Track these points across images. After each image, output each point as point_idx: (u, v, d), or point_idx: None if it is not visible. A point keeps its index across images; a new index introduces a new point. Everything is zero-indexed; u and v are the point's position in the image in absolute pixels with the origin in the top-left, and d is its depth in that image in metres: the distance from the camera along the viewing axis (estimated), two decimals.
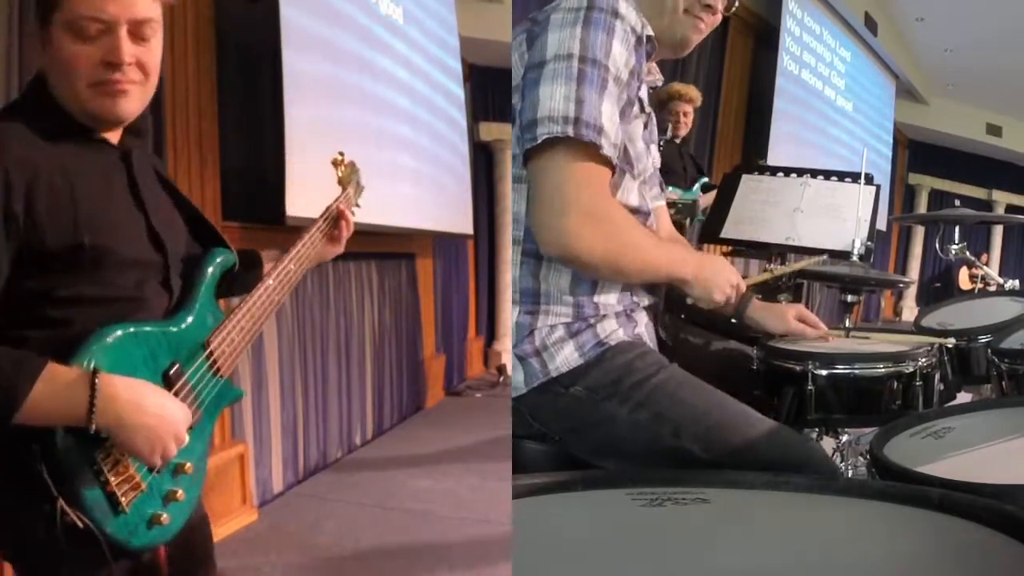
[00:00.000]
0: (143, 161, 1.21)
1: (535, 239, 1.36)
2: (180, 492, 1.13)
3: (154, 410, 1.05)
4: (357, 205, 1.58)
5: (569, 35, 1.31)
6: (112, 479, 1.04)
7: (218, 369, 1.20)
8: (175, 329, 1.15)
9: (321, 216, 1.45)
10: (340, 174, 1.58)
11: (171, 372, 1.12)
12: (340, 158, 1.60)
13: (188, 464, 1.14)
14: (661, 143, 3.58)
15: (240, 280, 1.33)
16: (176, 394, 1.12)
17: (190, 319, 1.18)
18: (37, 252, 1.03)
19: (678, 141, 4.30)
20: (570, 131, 1.28)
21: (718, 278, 1.47)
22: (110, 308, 1.09)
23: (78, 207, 1.07)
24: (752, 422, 1.34)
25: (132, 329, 1.08)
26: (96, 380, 1.00)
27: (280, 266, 1.32)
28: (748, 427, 1.33)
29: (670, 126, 4.26)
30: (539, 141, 1.29)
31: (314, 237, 1.42)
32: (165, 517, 1.10)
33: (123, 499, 1.05)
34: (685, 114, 4.27)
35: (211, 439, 1.23)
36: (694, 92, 4.27)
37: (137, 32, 1.09)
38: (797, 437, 1.38)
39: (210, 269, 1.24)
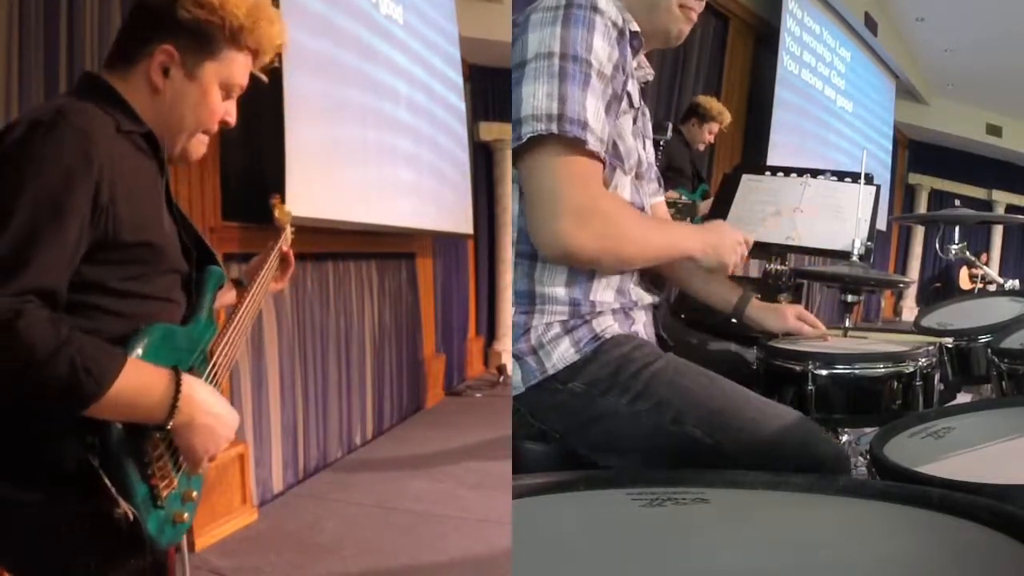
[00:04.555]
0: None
1: (532, 242, 1.36)
2: (195, 493, 1.17)
3: (216, 411, 1.11)
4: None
5: (549, 34, 1.31)
6: (157, 473, 1.07)
7: (217, 378, 1.23)
8: (193, 335, 1.20)
9: (271, 251, 1.52)
10: (278, 215, 1.64)
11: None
12: (276, 202, 1.67)
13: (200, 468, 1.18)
14: (661, 141, 3.60)
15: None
16: None
17: (197, 328, 1.22)
18: (111, 243, 1.06)
19: (693, 150, 4.38)
20: (554, 128, 1.27)
21: (725, 242, 1.48)
22: (150, 305, 1.13)
23: (145, 206, 1.12)
24: (755, 404, 1.35)
25: (168, 330, 1.14)
26: (180, 382, 1.05)
27: (251, 290, 1.40)
28: (751, 409, 1.33)
29: (696, 138, 4.36)
30: (524, 140, 1.29)
31: (271, 266, 1.50)
32: (187, 516, 1.13)
33: (162, 493, 1.08)
34: (712, 132, 4.38)
35: None
36: (728, 116, 4.47)
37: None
38: (801, 419, 1.37)
39: (211, 284, 1.29)
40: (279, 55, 1.29)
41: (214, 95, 1.19)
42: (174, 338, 1.14)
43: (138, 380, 1.02)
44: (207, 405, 1.10)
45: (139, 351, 1.06)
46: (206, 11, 1.14)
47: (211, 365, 1.22)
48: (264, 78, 1.30)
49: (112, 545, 1.03)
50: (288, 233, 1.61)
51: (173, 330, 1.15)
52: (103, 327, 1.06)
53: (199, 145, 1.23)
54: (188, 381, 1.07)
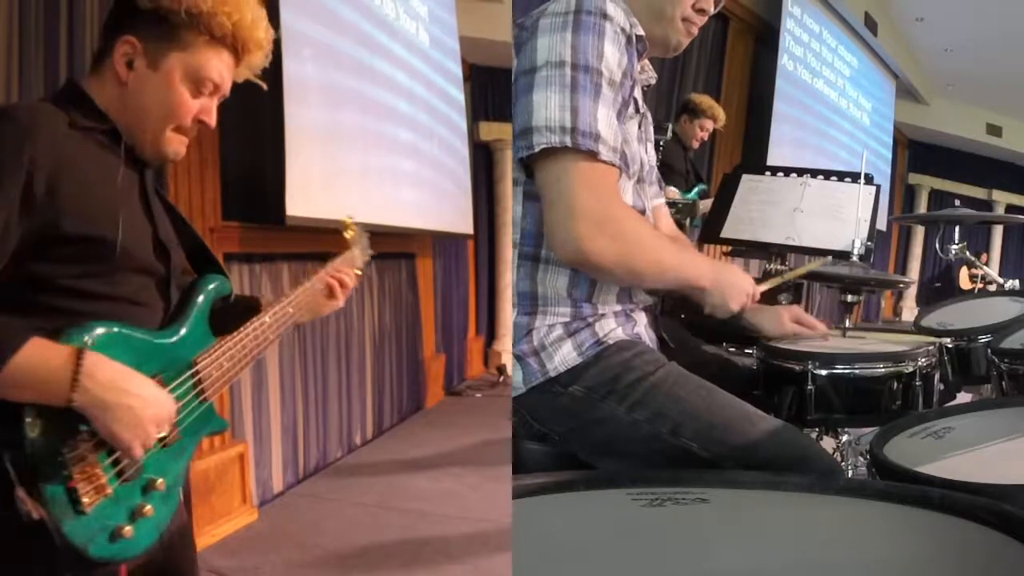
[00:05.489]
0: (150, 178, 1.23)
1: (550, 247, 1.36)
2: (149, 508, 1.09)
3: (136, 391, 1.04)
4: (359, 271, 1.58)
5: (559, 40, 1.30)
6: (76, 475, 1.01)
7: (203, 391, 1.18)
8: (164, 341, 1.14)
9: (324, 271, 1.45)
10: (348, 236, 1.57)
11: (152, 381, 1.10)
12: (348, 220, 1.60)
13: (160, 480, 1.11)
14: (661, 142, 3.60)
15: (236, 319, 1.29)
16: None
17: (180, 335, 1.17)
18: (52, 236, 1.04)
19: (687, 147, 4.37)
20: (567, 141, 1.28)
21: (735, 287, 1.48)
22: (111, 306, 1.10)
23: (98, 200, 1.09)
24: (752, 420, 1.34)
25: (121, 330, 1.08)
26: (82, 357, 1.00)
27: (278, 306, 1.32)
28: (748, 425, 1.33)
29: (688, 135, 4.33)
30: (536, 150, 1.29)
31: (315, 287, 1.42)
32: (128, 530, 1.06)
33: (85, 498, 1.01)
34: (705, 129, 4.34)
35: (188, 464, 1.22)
36: (721, 114, 4.40)
37: (218, 100, 1.21)
38: (797, 435, 1.38)
39: (205, 291, 1.23)
40: (271, 55, 1.24)
41: (178, 87, 1.14)
42: (129, 341, 1.08)
43: (38, 356, 0.98)
44: (118, 383, 1.02)
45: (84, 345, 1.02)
46: None
47: (192, 376, 1.16)
48: (262, 84, 1.26)
49: (32, 551, 0.99)
50: (354, 255, 1.53)
51: (128, 332, 1.08)
52: (56, 327, 1.03)
53: (174, 143, 1.18)
54: (95, 360, 1.01)
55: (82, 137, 1.10)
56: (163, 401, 1.08)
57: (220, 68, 1.17)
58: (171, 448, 1.14)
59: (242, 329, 1.25)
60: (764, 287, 1.62)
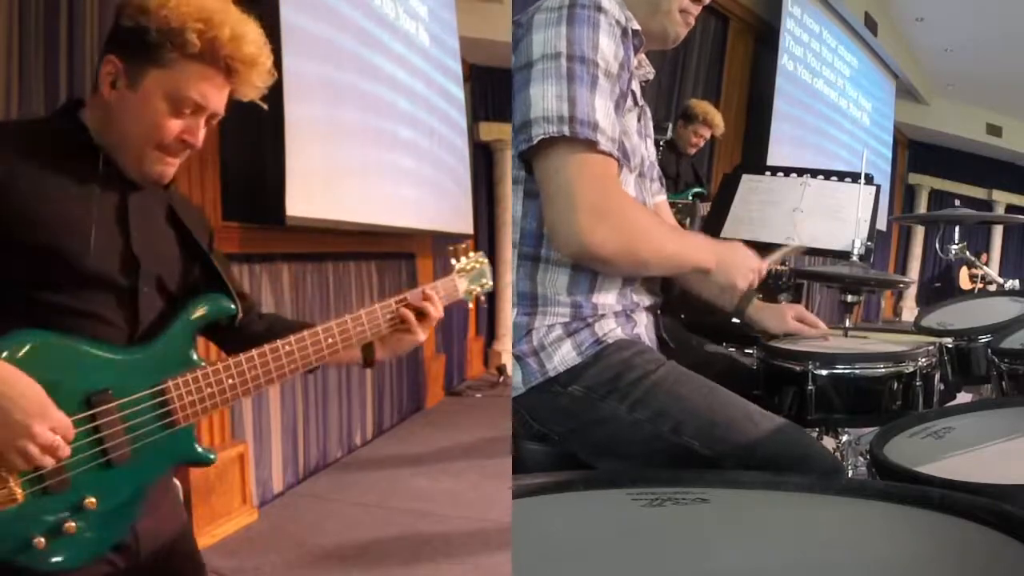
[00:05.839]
0: (148, 193, 1.20)
1: (550, 242, 1.36)
2: (72, 525, 1.04)
3: (10, 393, 0.98)
4: (477, 298, 1.51)
5: (554, 34, 1.30)
6: None
7: (169, 415, 1.12)
8: (118, 357, 1.10)
9: (398, 298, 1.36)
10: (457, 264, 1.48)
11: (94, 397, 1.06)
12: (464, 248, 1.50)
13: (91, 499, 1.06)
14: (661, 142, 3.60)
15: (260, 342, 1.22)
16: (94, 419, 1.06)
17: (146, 353, 1.13)
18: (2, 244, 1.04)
19: (681, 153, 4.35)
20: (565, 130, 1.27)
21: (740, 266, 1.48)
22: (57, 316, 1.07)
23: (50, 211, 1.07)
24: (754, 418, 1.34)
25: (56, 340, 1.05)
26: None
27: (306, 333, 1.24)
28: (749, 423, 1.33)
29: (683, 140, 4.32)
30: (535, 142, 1.29)
31: (373, 317, 1.33)
32: (40, 542, 1.02)
33: None
34: (700, 135, 4.33)
35: (146, 491, 1.13)
36: (720, 121, 4.36)
37: (209, 120, 1.17)
38: (799, 433, 1.38)
39: (190, 311, 1.18)
40: (272, 75, 1.20)
41: (156, 106, 1.11)
42: (69, 352, 1.05)
43: None
44: None
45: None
46: (145, 16, 1.09)
47: (154, 397, 1.11)
48: (263, 105, 1.22)
49: None
50: (458, 285, 1.45)
51: (65, 343, 1.05)
52: None
53: (157, 164, 1.14)
54: None
55: (50, 153, 1.09)
56: (31, 407, 1.00)
57: (202, 87, 1.12)
58: (119, 469, 1.08)
59: (242, 355, 1.19)
60: (770, 259, 1.62)
